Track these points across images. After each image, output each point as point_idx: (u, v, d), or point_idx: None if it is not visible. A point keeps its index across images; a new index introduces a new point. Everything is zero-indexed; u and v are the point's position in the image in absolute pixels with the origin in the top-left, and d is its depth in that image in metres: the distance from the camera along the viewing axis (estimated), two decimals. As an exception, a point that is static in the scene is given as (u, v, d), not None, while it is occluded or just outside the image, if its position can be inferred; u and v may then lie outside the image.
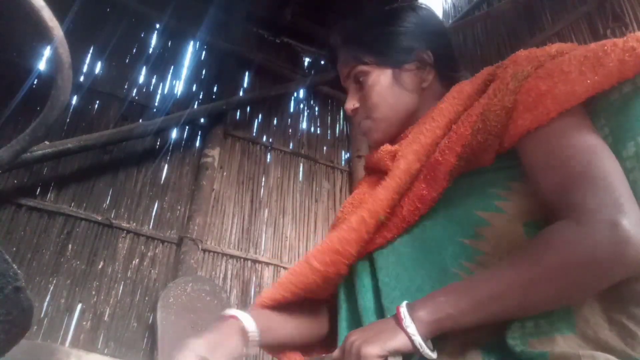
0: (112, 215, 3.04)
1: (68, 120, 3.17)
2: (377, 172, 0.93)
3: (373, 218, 0.79)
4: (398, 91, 0.92)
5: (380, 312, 0.77)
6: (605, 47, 0.66)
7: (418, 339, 0.62)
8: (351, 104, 0.96)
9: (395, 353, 0.64)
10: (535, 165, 0.67)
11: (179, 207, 3.27)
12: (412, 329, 0.63)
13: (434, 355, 0.64)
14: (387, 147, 0.90)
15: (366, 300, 0.80)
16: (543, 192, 0.66)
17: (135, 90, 3.52)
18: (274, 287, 0.86)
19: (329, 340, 0.94)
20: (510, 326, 0.62)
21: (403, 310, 0.65)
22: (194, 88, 3.76)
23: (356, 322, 0.81)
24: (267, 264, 3.32)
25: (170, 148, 3.43)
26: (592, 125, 0.67)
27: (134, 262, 2.98)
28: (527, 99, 0.69)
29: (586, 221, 0.59)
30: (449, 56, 0.98)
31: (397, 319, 0.65)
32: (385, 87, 0.92)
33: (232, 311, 0.79)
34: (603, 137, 0.65)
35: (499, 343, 0.63)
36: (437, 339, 0.65)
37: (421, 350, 0.63)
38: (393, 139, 0.91)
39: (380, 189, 0.81)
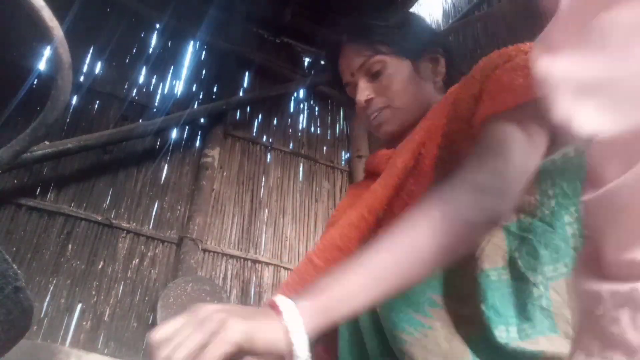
0: (112, 215, 3.04)
1: (68, 120, 3.17)
2: (375, 175, 0.94)
3: (372, 215, 0.80)
4: (418, 81, 0.94)
5: (372, 309, 0.77)
6: None
7: (300, 335, 0.51)
8: (365, 94, 0.93)
9: (257, 347, 0.50)
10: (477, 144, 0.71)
11: (179, 207, 3.27)
12: (293, 320, 0.51)
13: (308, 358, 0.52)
14: (384, 151, 0.92)
15: None
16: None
17: (135, 90, 3.52)
18: (281, 289, 0.86)
19: (326, 339, 0.94)
20: (494, 325, 0.63)
21: (281, 299, 0.54)
22: (194, 88, 3.76)
23: (354, 322, 0.81)
24: (267, 264, 3.32)
25: (170, 148, 3.43)
26: (542, 122, 0.69)
27: (134, 262, 2.98)
28: (490, 88, 0.72)
29: (464, 182, 0.63)
30: (453, 58, 1.01)
31: (274, 308, 0.53)
32: (406, 76, 0.93)
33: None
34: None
35: (487, 341, 0.63)
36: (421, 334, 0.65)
37: (296, 350, 0.50)
38: (404, 135, 0.90)
39: (378, 187, 0.82)
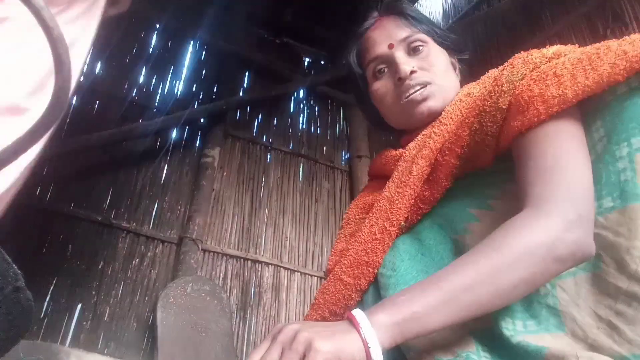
0: (112, 215, 3.04)
1: (68, 120, 3.17)
2: (381, 177, 0.93)
3: (394, 226, 0.80)
4: (453, 72, 0.95)
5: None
6: (599, 51, 0.67)
7: (376, 349, 0.54)
8: (410, 65, 0.89)
9: None
10: (520, 164, 0.69)
11: (179, 207, 3.27)
12: (370, 335, 0.54)
13: None
14: (392, 152, 0.91)
15: (368, 294, 0.81)
16: (519, 187, 0.67)
17: (135, 90, 3.52)
18: (313, 310, 0.85)
19: None
20: (500, 317, 0.63)
21: (358, 313, 0.57)
22: (194, 88, 3.76)
23: None
24: (267, 264, 3.32)
25: (170, 148, 3.43)
26: (580, 129, 0.68)
27: (134, 262, 2.98)
28: (519, 101, 0.70)
29: (542, 209, 0.61)
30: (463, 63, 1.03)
31: (353, 323, 0.56)
32: (446, 64, 0.94)
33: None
34: (598, 139, 0.66)
35: (492, 333, 0.63)
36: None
37: None
38: (434, 118, 0.88)
39: (395, 196, 0.81)
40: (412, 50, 0.92)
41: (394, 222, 0.80)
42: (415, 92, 0.89)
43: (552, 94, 0.67)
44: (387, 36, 0.93)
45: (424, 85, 0.89)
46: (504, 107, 0.72)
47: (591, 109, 0.67)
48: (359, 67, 0.99)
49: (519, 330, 0.61)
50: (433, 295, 0.57)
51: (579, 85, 0.65)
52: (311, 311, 0.85)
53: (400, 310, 0.56)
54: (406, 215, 0.80)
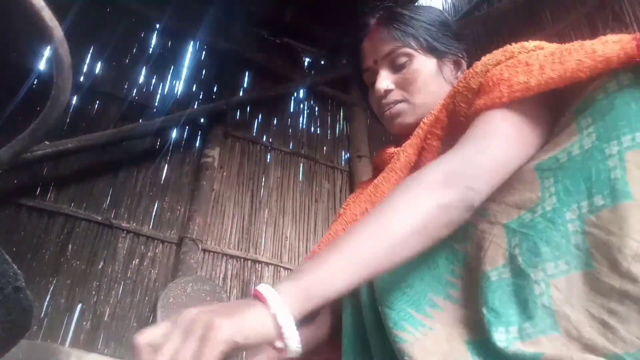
0: (112, 215, 3.04)
1: (68, 120, 3.17)
2: (380, 172, 0.95)
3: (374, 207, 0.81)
4: (440, 81, 0.95)
5: (373, 305, 0.77)
6: (572, 47, 0.68)
7: (286, 316, 0.52)
8: (385, 84, 0.93)
9: (250, 340, 0.49)
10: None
11: (179, 207, 3.27)
12: (277, 304, 0.53)
13: (298, 346, 0.52)
14: (391, 149, 0.93)
15: (363, 294, 0.81)
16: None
17: (135, 90, 3.52)
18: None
19: (330, 343, 0.94)
20: (494, 328, 0.62)
21: (263, 286, 0.56)
22: (194, 88, 3.77)
23: (359, 319, 0.81)
24: (267, 264, 3.32)
25: (170, 148, 3.43)
26: (532, 124, 0.70)
27: (134, 262, 2.98)
28: (488, 83, 0.73)
29: (435, 165, 0.66)
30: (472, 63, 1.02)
31: (257, 296, 0.54)
32: (430, 75, 0.94)
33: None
34: (587, 136, 0.65)
35: (487, 344, 0.63)
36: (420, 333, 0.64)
37: (285, 332, 0.51)
38: (413, 131, 0.91)
39: (380, 181, 0.83)
40: (396, 67, 0.94)
41: (375, 204, 0.81)
42: (387, 110, 0.94)
43: (518, 80, 0.69)
44: (373, 50, 0.96)
45: (396, 103, 0.94)
46: (474, 87, 0.74)
47: (581, 105, 0.67)
48: (358, 72, 1.03)
49: (513, 338, 0.61)
50: (333, 257, 0.58)
51: (543, 76, 0.67)
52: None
53: (304, 277, 0.57)
54: None
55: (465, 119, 0.75)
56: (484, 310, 0.64)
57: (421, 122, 0.86)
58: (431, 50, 0.94)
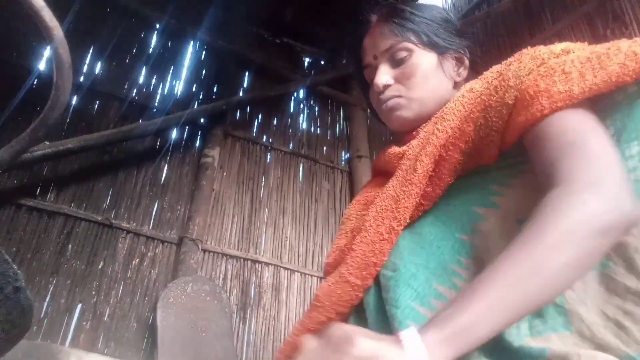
0: (112, 215, 3.04)
1: (68, 120, 3.17)
2: (383, 174, 0.93)
3: (402, 225, 0.80)
4: (440, 76, 0.93)
5: (380, 305, 0.77)
6: (609, 51, 0.66)
7: None
8: (384, 78, 0.92)
9: None
10: (537, 149, 0.67)
11: (179, 207, 3.27)
12: (421, 355, 0.50)
13: None
14: (394, 149, 0.90)
15: (369, 295, 0.81)
16: (542, 174, 0.65)
17: (135, 90, 3.52)
18: (317, 312, 0.84)
19: None
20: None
21: (408, 333, 0.53)
22: (194, 88, 3.77)
23: (362, 319, 0.81)
24: (267, 264, 3.32)
25: (170, 148, 3.43)
26: (594, 118, 0.67)
27: (134, 262, 2.98)
28: (525, 96, 0.70)
29: (572, 185, 0.59)
30: (475, 60, 1.01)
31: (399, 343, 0.52)
32: (430, 69, 0.92)
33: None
34: (609, 137, 0.65)
35: (493, 338, 0.63)
36: None
37: None
38: (415, 126, 0.90)
39: (402, 196, 0.80)
40: (396, 61, 0.93)
41: (402, 222, 0.79)
42: (384, 104, 0.93)
43: (558, 89, 0.67)
44: (373, 46, 0.95)
45: (394, 97, 0.92)
46: (510, 102, 0.71)
47: (600, 108, 0.67)
48: (359, 69, 1.01)
49: (523, 334, 0.60)
50: (479, 302, 0.54)
51: (586, 82, 0.65)
52: (315, 313, 0.83)
53: (448, 325, 0.53)
54: (411, 214, 0.80)
55: (497, 133, 0.73)
56: None
57: (435, 129, 0.83)
58: (431, 45, 0.93)
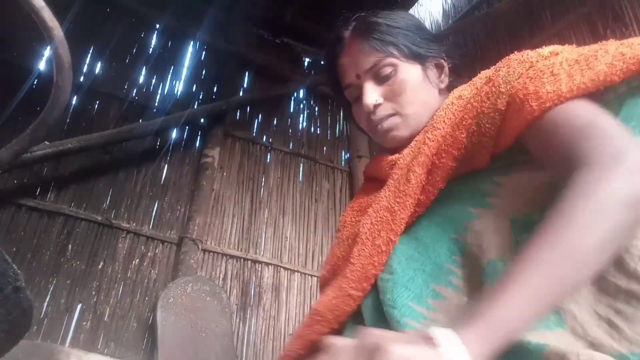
0: (112, 215, 3.04)
1: (68, 120, 3.17)
2: (376, 180, 0.93)
3: (398, 235, 0.80)
4: (428, 87, 0.90)
5: (378, 307, 0.77)
6: (597, 53, 0.67)
7: None
8: (374, 97, 0.88)
9: None
10: (547, 141, 0.67)
11: (179, 207, 3.27)
12: (458, 355, 0.48)
13: None
14: (387, 157, 0.89)
15: (367, 297, 0.81)
16: (559, 161, 0.64)
17: (135, 90, 3.52)
18: (319, 325, 0.83)
19: None
20: None
21: (440, 331, 0.51)
22: (194, 88, 3.77)
23: (360, 321, 0.81)
24: (267, 264, 3.32)
25: (170, 148, 3.43)
26: (595, 104, 0.67)
27: (134, 262, 2.98)
28: (515, 100, 0.70)
29: (600, 162, 0.58)
30: (455, 63, 0.98)
31: (432, 344, 0.50)
32: (418, 83, 0.89)
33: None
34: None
35: None
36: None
37: None
38: (410, 141, 0.87)
39: (398, 207, 0.80)
40: (381, 79, 0.89)
41: (398, 232, 0.79)
42: (379, 125, 0.89)
43: (546, 90, 0.67)
44: (353, 65, 0.91)
45: (388, 117, 0.89)
46: (502, 108, 0.71)
47: None
48: (337, 90, 0.98)
49: None
50: (514, 295, 0.52)
51: (574, 82, 0.66)
52: (318, 326, 0.82)
53: (486, 320, 0.51)
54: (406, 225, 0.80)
55: (489, 139, 0.73)
56: None
57: (425, 138, 0.82)
58: (414, 57, 0.89)
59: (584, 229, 0.54)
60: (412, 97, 0.88)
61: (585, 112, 0.64)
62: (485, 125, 0.73)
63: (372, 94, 0.89)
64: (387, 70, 0.88)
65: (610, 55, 0.65)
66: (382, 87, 0.89)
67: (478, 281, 0.67)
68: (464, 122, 0.77)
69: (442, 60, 0.94)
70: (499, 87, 0.73)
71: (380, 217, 0.81)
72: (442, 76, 0.94)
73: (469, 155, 0.76)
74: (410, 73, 0.89)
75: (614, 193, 0.55)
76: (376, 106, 0.89)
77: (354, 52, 0.91)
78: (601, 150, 0.59)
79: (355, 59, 0.91)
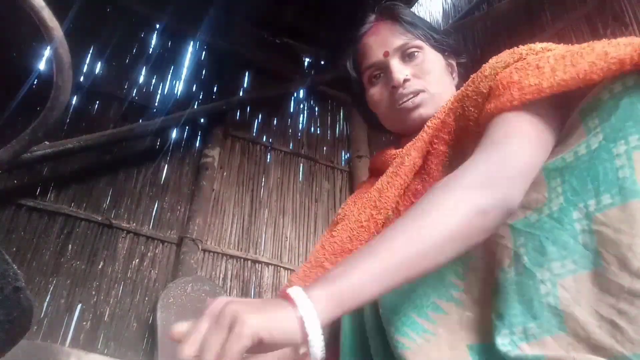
0: (112, 216, 3.04)
1: (68, 120, 3.17)
2: (379, 174, 0.94)
3: (381, 214, 0.80)
4: (448, 77, 0.96)
5: (375, 309, 0.77)
6: (583, 50, 0.68)
7: (313, 321, 0.51)
8: (403, 73, 0.92)
9: (275, 339, 0.50)
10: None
11: (179, 207, 3.27)
12: (306, 308, 0.52)
13: (322, 353, 0.52)
14: (392, 150, 0.92)
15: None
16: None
17: (135, 90, 3.52)
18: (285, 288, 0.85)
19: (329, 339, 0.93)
20: (497, 332, 0.62)
21: (294, 289, 0.54)
22: (194, 88, 3.76)
23: (359, 321, 0.81)
24: (267, 264, 3.32)
25: (170, 148, 3.43)
26: (547, 124, 0.70)
27: (134, 262, 2.98)
28: (498, 86, 0.72)
29: (466, 169, 0.64)
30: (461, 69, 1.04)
31: (287, 299, 0.54)
32: (442, 67, 0.94)
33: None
34: (594, 136, 0.65)
35: (490, 349, 0.63)
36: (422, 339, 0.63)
37: (311, 339, 0.51)
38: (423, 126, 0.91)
39: (385, 186, 0.82)
40: (408, 57, 0.93)
41: (381, 210, 0.80)
42: (407, 100, 0.92)
43: (529, 82, 0.69)
44: (382, 43, 0.95)
45: (417, 93, 0.92)
46: (484, 90, 0.74)
47: (587, 106, 0.67)
48: (356, 71, 1.01)
49: (518, 339, 0.60)
50: (366, 263, 0.57)
51: (555, 78, 0.67)
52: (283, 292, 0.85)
53: (335, 282, 0.56)
54: (394, 205, 0.80)
55: (474, 124, 0.75)
56: (489, 313, 0.63)
57: (425, 126, 0.85)
58: (437, 46, 0.95)
59: (435, 223, 0.60)
60: (438, 78, 0.93)
61: (517, 124, 0.68)
62: (469, 108, 0.76)
63: (401, 70, 0.93)
64: (415, 50, 0.93)
65: (595, 53, 0.66)
66: (409, 66, 0.93)
67: (479, 293, 0.67)
68: (452, 106, 0.81)
69: (453, 60, 1.00)
70: (484, 71, 0.76)
71: (369, 196, 0.84)
72: (453, 75, 0.99)
73: (458, 141, 0.78)
74: (435, 59, 0.94)
75: (471, 200, 0.61)
76: (406, 80, 0.92)
77: (383, 31, 0.96)
78: (471, 163, 0.65)
79: (384, 38, 0.95)
